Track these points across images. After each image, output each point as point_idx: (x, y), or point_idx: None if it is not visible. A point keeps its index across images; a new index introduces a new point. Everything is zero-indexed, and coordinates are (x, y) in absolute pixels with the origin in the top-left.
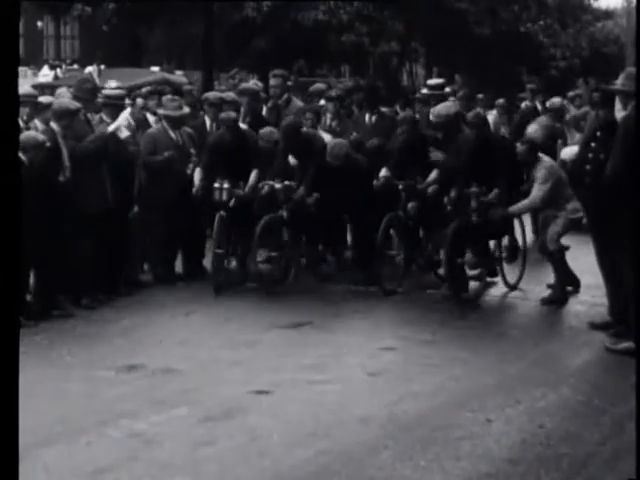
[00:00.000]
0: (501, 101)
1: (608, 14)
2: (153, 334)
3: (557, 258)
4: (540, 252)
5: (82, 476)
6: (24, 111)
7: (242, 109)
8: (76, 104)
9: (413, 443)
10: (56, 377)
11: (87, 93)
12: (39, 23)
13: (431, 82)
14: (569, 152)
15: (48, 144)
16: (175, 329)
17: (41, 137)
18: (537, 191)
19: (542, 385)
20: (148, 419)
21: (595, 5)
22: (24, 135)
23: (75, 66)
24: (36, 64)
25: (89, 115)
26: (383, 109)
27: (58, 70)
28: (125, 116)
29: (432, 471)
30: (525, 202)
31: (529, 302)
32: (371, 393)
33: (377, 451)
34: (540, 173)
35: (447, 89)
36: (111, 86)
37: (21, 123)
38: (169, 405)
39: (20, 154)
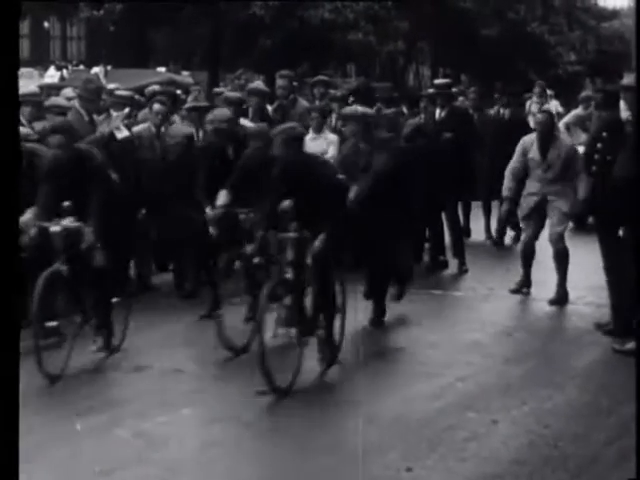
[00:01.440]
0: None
1: (614, 13)
2: (161, 335)
3: (562, 258)
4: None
5: (89, 476)
6: (26, 110)
7: (250, 109)
8: (62, 102)
9: (419, 444)
10: (62, 377)
11: (91, 93)
12: (45, 24)
13: (438, 82)
14: None
15: (35, 136)
16: (183, 330)
17: (25, 130)
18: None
19: (548, 386)
20: (155, 419)
21: (601, 4)
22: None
23: (81, 67)
24: (42, 65)
25: (94, 115)
26: (391, 109)
27: (64, 71)
28: (148, 125)
29: (438, 472)
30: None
31: (535, 303)
32: (377, 394)
33: (383, 451)
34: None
35: (454, 89)
36: (111, 87)
37: (24, 122)
38: (176, 406)
39: None
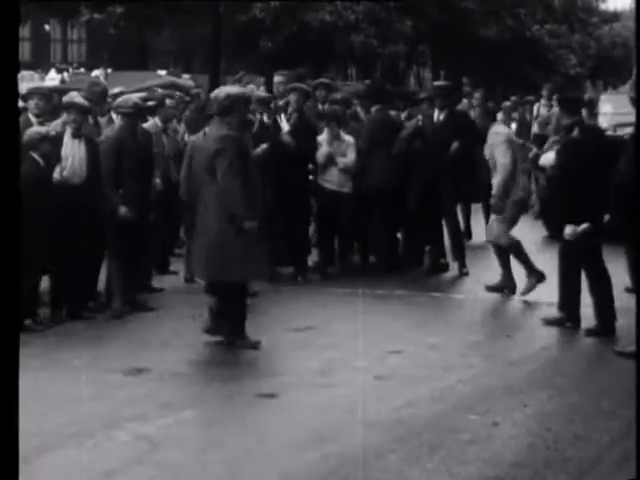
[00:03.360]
0: (507, 104)
1: (616, 16)
2: (160, 337)
3: (516, 252)
4: (495, 252)
5: (90, 479)
6: (32, 104)
7: (290, 107)
8: (83, 101)
9: (420, 446)
10: (63, 380)
11: (97, 96)
12: (46, 26)
13: (437, 84)
14: (548, 158)
15: (53, 133)
16: (182, 332)
17: (44, 129)
18: (502, 157)
19: (549, 388)
20: (155, 422)
21: (603, 7)
22: (28, 132)
23: (82, 70)
24: (43, 67)
25: (98, 118)
26: (393, 111)
27: (65, 74)
28: (154, 121)
29: (439, 474)
30: (498, 178)
31: (536, 305)
32: (378, 396)
33: (384, 454)
34: (497, 139)
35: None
36: (114, 92)
37: (32, 118)
38: (176, 408)
39: (34, 154)
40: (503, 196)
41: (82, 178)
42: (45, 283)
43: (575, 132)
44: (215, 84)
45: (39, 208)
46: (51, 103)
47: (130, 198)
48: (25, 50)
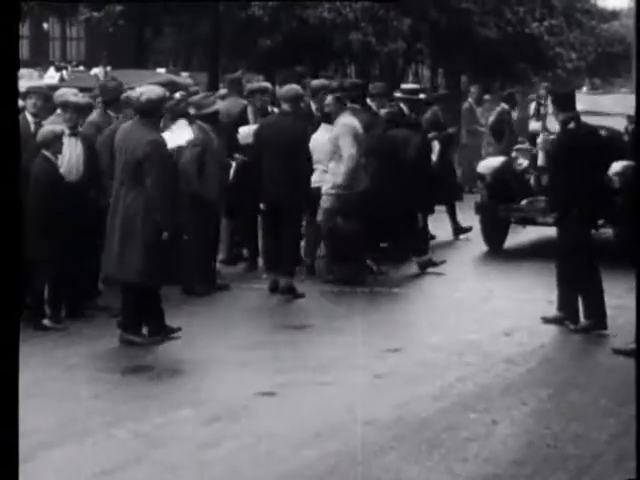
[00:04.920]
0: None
1: (614, 14)
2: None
3: (326, 236)
4: None
5: (88, 477)
6: (30, 103)
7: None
8: (78, 100)
9: (419, 445)
10: (62, 378)
11: (112, 92)
12: (45, 25)
13: (405, 86)
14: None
15: (67, 131)
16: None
17: (58, 128)
18: (349, 147)
19: (548, 386)
20: (154, 420)
21: (601, 5)
22: (42, 131)
23: (81, 68)
24: (42, 65)
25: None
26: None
27: (64, 72)
28: None
29: (438, 472)
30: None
31: (535, 303)
32: (377, 395)
33: (383, 452)
34: (345, 130)
35: (422, 95)
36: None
37: (30, 117)
38: (175, 406)
39: (46, 152)
40: (349, 186)
41: (79, 176)
42: None
43: (572, 124)
44: (214, 82)
45: (56, 206)
46: (50, 102)
47: None
48: (24, 48)
